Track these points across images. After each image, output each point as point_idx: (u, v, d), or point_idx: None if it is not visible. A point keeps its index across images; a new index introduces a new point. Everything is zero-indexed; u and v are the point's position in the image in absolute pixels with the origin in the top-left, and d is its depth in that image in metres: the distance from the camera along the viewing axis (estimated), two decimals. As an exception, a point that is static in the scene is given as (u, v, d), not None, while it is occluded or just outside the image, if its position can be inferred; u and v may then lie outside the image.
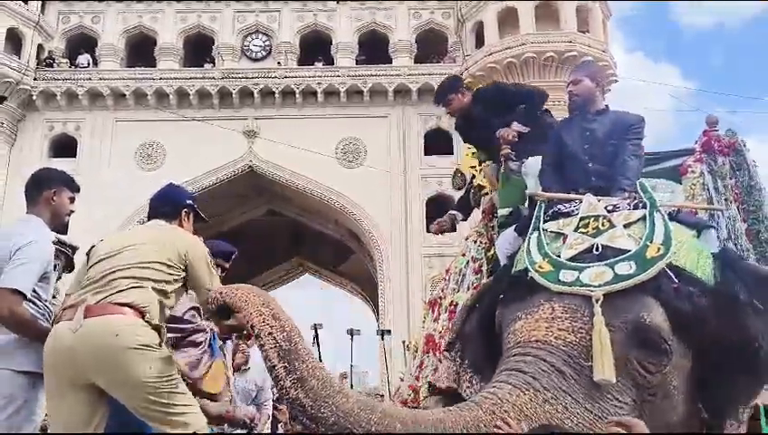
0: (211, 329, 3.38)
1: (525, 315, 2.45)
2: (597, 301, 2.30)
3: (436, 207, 19.87)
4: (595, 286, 2.36)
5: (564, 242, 2.66)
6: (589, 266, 2.46)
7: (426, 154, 20.54)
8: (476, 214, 5.19)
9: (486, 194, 4.79)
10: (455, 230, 5.16)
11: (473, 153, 4.92)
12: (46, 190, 3.10)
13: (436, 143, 20.54)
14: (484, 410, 2.14)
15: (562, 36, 19.28)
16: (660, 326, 2.29)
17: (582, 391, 2.20)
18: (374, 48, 21.60)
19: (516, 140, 4.07)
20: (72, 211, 3.22)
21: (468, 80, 19.98)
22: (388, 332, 14.06)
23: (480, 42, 20.43)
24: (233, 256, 4.14)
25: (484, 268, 4.53)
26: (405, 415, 2.11)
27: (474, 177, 4.97)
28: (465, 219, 5.08)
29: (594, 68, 3.69)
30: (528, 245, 2.74)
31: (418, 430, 2.03)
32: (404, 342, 14.46)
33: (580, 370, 2.23)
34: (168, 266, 2.79)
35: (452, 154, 20.19)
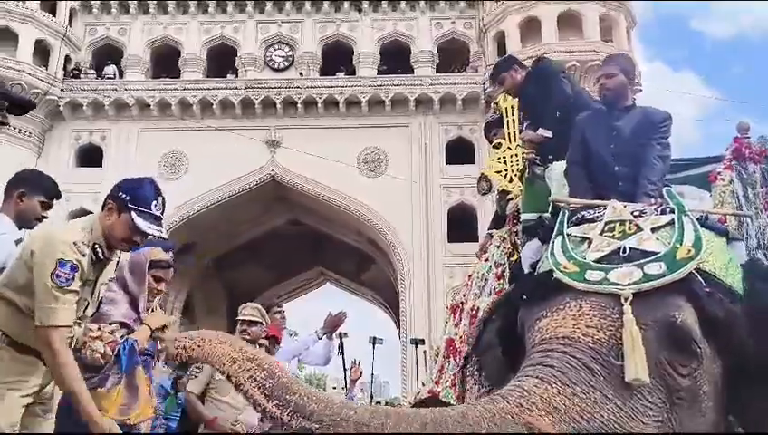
0: (126, 338, 3.05)
1: (550, 313, 2.37)
2: (626, 299, 2.23)
3: (458, 217, 19.84)
4: (624, 285, 2.29)
5: (590, 246, 2.59)
6: (616, 267, 2.39)
7: (447, 163, 20.50)
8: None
9: (512, 199, 4.75)
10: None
11: (498, 159, 4.88)
12: (16, 190, 3.08)
13: (458, 153, 20.51)
14: (511, 403, 2.04)
15: (585, 45, 19.16)
16: (691, 328, 2.22)
17: (612, 389, 2.12)
18: (396, 58, 21.67)
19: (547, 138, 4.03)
20: (44, 216, 3.17)
21: (489, 90, 19.98)
22: (422, 341, 13.96)
23: (502, 51, 20.37)
24: (170, 268, 3.60)
25: (507, 274, 4.47)
26: (423, 414, 2.01)
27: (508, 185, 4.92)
28: None
29: (627, 62, 3.58)
30: (552, 248, 2.67)
31: (439, 429, 1.94)
32: (425, 352, 14.38)
33: (610, 368, 2.15)
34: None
35: (474, 163, 20.16)
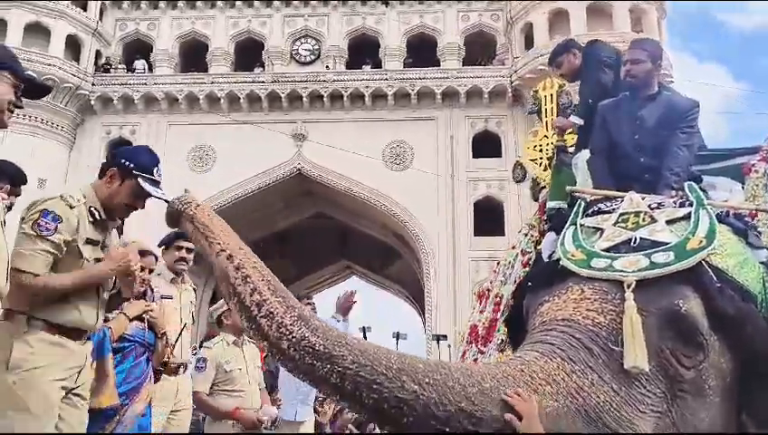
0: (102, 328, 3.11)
1: (552, 298, 2.36)
2: (629, 286, 2.19)
3: (484, 210, 19.73)
4: (628, 272, 2.26)
5: (601, 236, 2.57)
6: (623, 255, 2.37)
7: (473, 157, 20.39)
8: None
9: (544, 188, 4.72)
10: None
11: (534, 147, 4.85)
12: None
13: (485, 146, 20.39)
14: (512, 367, 2.05)
15: (615, 36, 18.78)
16: (697, 319, 2.18)
17: (610, 373, 2.09)
18: (422, 51, 21.58)
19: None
20: (9, 204, 3.22)
21: (517, 82, 19.79)
22: (444, 337, 13.94)
23: (529, 43, 20.18)
24: (152, 256, 3.98)
25: (532, 262, 4.45)
26: (425, 360, 2.01)
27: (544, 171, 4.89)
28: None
29: (655, 48, 3.46)
30: (563, 238, 2.66)
31: (441, 371, 1.92)
32: (449, 346, 14.36)
33: (609, 352, 2.12)
34: None
35: (500, 157, 20.03)
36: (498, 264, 5.30)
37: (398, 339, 11.69)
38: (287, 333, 1.82)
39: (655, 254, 2.31)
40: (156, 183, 2.79)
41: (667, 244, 2.36)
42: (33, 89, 2.49)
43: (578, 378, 2.05)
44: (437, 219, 19.75)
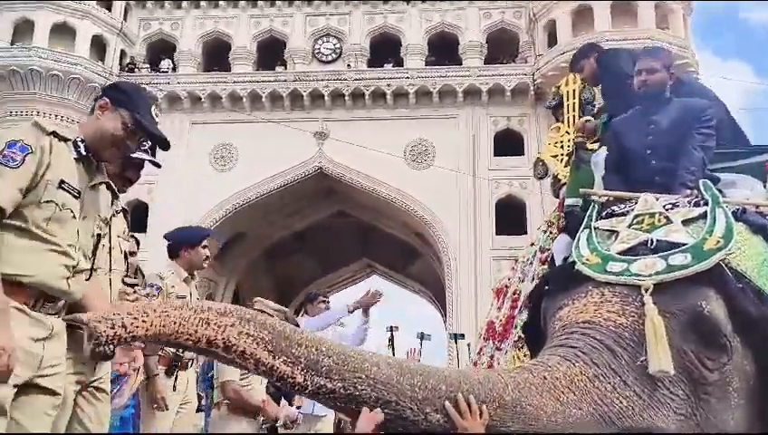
0: None
1: (572, 301, 2.33)
2: (646, 290, 2.15)
3: (506, 209, 19.61)
4: (645, 276, 2.22)
5: (616, 239, 2.53)
6: (639, 258, 2.32)
7: (495, 155, 20.27)
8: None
9: (564, 184, 4.68)
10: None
11: (555, 143, 4.82)
12: None
13: (507, 144, 20.26)
14: (536, 375, 2.02)
15: (640, 33, 18.57)
16: (720, 320, 2.14)
17: (633, 375, 2.06)
18: (444, 49, 21.51)
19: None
20: None
21: (540, 80, 19.64)
22: (462, 336, 13.88)
23: (552, 41, 20.00)
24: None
25: (551, 259, 4.41)
26: (448, 374, 1.98)
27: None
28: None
29: (669, 57, 3.48)
30: (578, 241, 2.63)
31: (463, 387, 1.90)
32: (468, 345, 14.28)
33: (632, 352, 2.09)
34: None
35: (522, 155, 19.89)
36: (517, 261, 5.26)
37: (422, 340, 11.60)
38: (303, 386, 1.79)
39: (672, 256, 2.27)
40: (144, 151, 2.71)
41: (684, 245, 2.32)
42: (153, 139, 2.46)
43: (600, 383, 2.02)
44: (459, 218, 19.67)
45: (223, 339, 1.71)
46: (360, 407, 1.79)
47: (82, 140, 2.32)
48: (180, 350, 3.95)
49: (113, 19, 21.19)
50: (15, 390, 2.09)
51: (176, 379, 4.03)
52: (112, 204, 2.62)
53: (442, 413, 1.85)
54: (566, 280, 2.48)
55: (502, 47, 21.55)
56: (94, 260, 2.42)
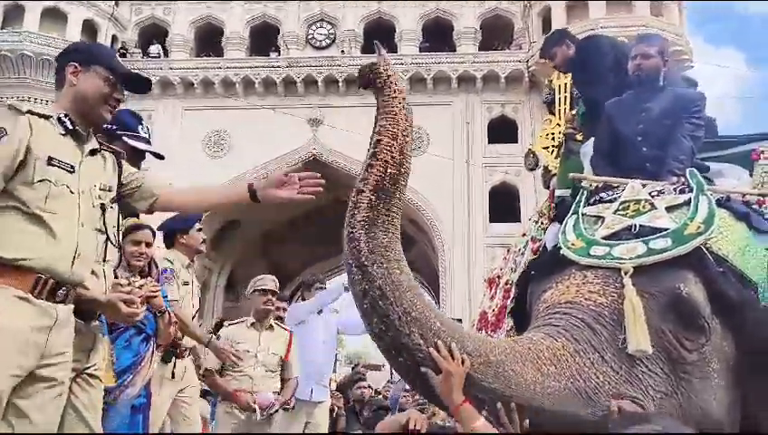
0: None
1: (556, 284, 2.42)
2: (626, 273, 2.23)
3: (500, 197, 19.63)
4: (626, 259, 2.30)
5: (602, 224, 2.62)
6: (622, 243, 2.41)
7: (489, 142, 20.26)
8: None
9: (554, 175, 4.69)
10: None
11: (546, 135, 4.80)
12: None
13: (501, 132, 20.24)
14: (520, 345, 2.12)
15: (635, 20, 18.54)
16: (698, 302, 2.21)
17: (612, 351, 2.15)
18: (438, 36, 21.42)
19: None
20: None
21: (534, 68, 19.59)
22: (459, 321, 14.01)
23: (547, 28, 19.87)
24: (147, 229, 3.57)
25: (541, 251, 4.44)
26: (447, 318, 2.07)
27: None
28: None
29: (664, 44, 3.52)
30: (564, 227, 2.71)
31: (454, 334, 1.98)
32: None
33: (612, 329, 2.18)
34: None
35: (516, 143, 19.88)
36: (509, 251, 5.29)
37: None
38: (351, 226, 1.99)
39: (653, 240, 2.34)
40: (144, 140, 2.69)
41: (666, 230, 2.38)
42: (133, 83, 2.41)
43: (580, 358, 2.10)
44: (453, 205, 19.69)
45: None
46: (363, 281, 1.91)
47: (66, 115, 2.25)
48: (180, 337, 3.98)
49: (104, 4, 20.98)
50: (19, 381, 2.04)
51: (174, 366, 4.04)
52: (120, 169, 2.49)
53: (425, 342, 1.91)
54: (551, 265, 2.57)
55: (496, 34, 21.48)
56: (107, 229, 2.35)
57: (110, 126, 2.65)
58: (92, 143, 2.37)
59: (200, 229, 4.44)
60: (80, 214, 2.23)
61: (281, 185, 2.42)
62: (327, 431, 5.67)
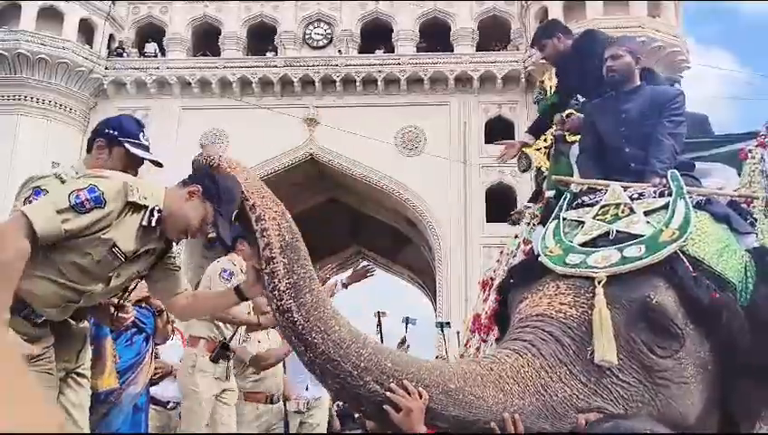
0: None
1: (530, 295, 2.43)
2: (599, 282, 2.24)
3: (497, 197, 19.64)
4: (599, 268, 2.31)
5: (581, 229, 2.62)
6: (597, 250, 2.41)
7: (486, 143, 20.26)
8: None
9: (546, 177, 4.69)
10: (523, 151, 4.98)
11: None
12: None
13: (498, 132, 20.21)
14: (482, 367, 2.12)
15: (631, 21, 18.59)
16: (669, 309, 2.21)
17: (580, 364, 2.15)
18: (435, 36, 21.41)
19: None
20: None
21: (531, 68, 19.61)
22: (448, 324, 14.00)
23: (544, 28, 19.94)
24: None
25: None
26: (399, 356, 2.09)
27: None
28: (536, 140, 4.95)
29: (634, 43, 3.54)
30: (545, 232, 2.71)
31: (409, 370, 2.00)
32: (458, 332, 14.37)
33: (581, 341, 2.18)
34: None
35: (513, 143, 19.86)
36: (501, 253, 5.30)
37: (407, 324, 11.66)
38: (279, 297, 1.88)
39: (627, 247, 2.35)
40: (146, 148, 2.75)
41: (642, 236, 2.39)
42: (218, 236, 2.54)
43: (546, 374, 2.11)
44: (449, 205, 19.69)
45: (260, 210, 1.93)
46: (306, 349, 1.89)
47: (159, 211, 2.36)
48: (228, 339, 4.04)
49: (101, 2, 20.93)
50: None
51: (227, 369, 4.11)
52: (166, 254, 2.63)
53: (381, 387, 1.94)
54: (528, 272, 2.58)
55: (493, 34, 21.48)
56: (123, 300, 2.60)
57: (111, 131, 2.71)
58: (157, 242, 2.48)
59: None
60: (101, 290, 2.39)
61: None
62: (325, 431, 5.66)
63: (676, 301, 2.23)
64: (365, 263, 5.55)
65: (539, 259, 2.53)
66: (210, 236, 2.59)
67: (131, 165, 2.71)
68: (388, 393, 1.93)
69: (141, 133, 2.77)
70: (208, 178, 2.47)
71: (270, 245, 1.90)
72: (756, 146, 3.51)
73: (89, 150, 2.73)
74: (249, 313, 3.98)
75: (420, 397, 1.95)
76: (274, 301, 1.89)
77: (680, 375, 2.21)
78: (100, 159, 2.65)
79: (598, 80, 3.80)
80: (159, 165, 2.90)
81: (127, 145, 2.67)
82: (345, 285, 5.38)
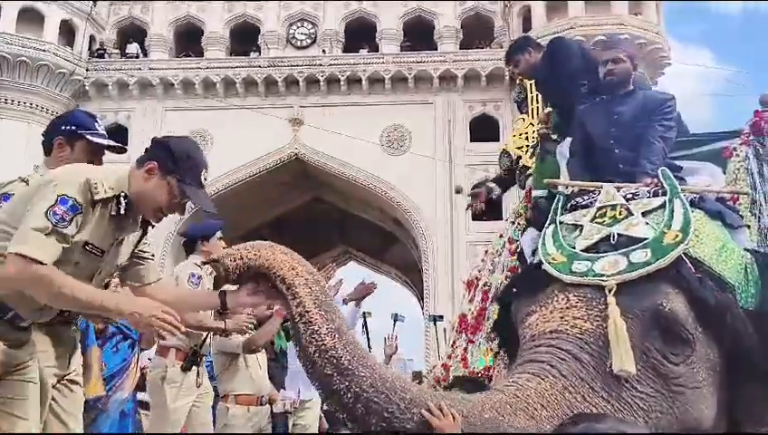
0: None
1: (539, 308, 2.40)
2: (610, 291, 2.22)
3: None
4: (608, 276, 2.29)
5: (581, 233, 2.59)
6: (603, 256, 2.39)
7: (471, 141, 20.32)
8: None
9: (531, 175, 4.70)
10: (491, 203, 5.04)
11: (520, 134, 4.82)
12: None
13: (482, 130, 20.31)
14: (508, 395, 2.10)
15: (613, 19, 18.73)
16: (681, 315, 2.22)
17: (600, 380, 2.14)
18: (419, 34, 21.43)
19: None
20: None
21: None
22: (440, 317, 14.01)
23: (527, 26, 20.03)
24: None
25: (520, 250, 4.44)
26: (433, 392, 2.12)
27: (520, 157, 4.87)
28: (502, 193, 4.99)
29: (634, 49, 3.58)
30: (544, 238, 2.69)
31: (446, 402, 2.01)
32: (445, 329, 14.41)
33: (598, 356, 2.17)
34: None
35: (498, 141, 19.93)
36: (486, 252, 5.30)
37: (395, 321, 11.67)
38: (321, 343, 1.92)
39: (633, 253, 2.33)
40: (103, 136, 2.74)
41: (644, 239, 2.37)
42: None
43: (569, 394, 2.10)
44: (435, 204, 19.72)
45: (291, 282, 2.01)
46: (351, 385, 1.91)
47: (125, 196, 2.30)
48: (198, 345, 3.99)
49: (82, 3, 20.72)
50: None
51: (198, 375, 4.05)
52: (140, 241, 2.55)
53: (427, 412, 1.95)
54: (533, 281, 2.54)
55: (477, 32, 21.54)
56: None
57: (68, 127, 2.71)
58: (134, 227, 2.42)
59: (221, 238, 4.40)
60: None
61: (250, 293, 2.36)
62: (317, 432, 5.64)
63: (685, 305, 2.23)
64: (372, 281, 5.56)
65: (542, 267, 2.50)
66: (181, 232, 2.57)
67: (94, 155, 2.71)
68: (423, 411, 1.94)
69: (96, 123, 2.78)
70: (163, 150, 2.38)
71: (303, 303, 1.98)
72: (741, 144, 3.54)
73: (47, 153, 2.71)
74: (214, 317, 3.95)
75: (454, 419, 1.96)
76: (313, 346, 1.93)
77: (693, 380, 2.21)
78: (62, 157, 2.63)
79: (574, 80, 3.82)
80: (123, 151, 2.90)
81: (88, 136, 2.67)
82: (346, 302, 5.37)
